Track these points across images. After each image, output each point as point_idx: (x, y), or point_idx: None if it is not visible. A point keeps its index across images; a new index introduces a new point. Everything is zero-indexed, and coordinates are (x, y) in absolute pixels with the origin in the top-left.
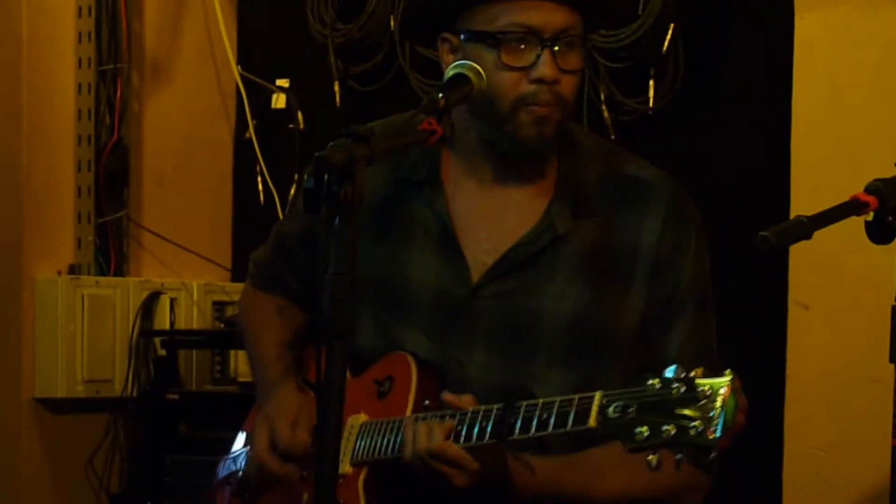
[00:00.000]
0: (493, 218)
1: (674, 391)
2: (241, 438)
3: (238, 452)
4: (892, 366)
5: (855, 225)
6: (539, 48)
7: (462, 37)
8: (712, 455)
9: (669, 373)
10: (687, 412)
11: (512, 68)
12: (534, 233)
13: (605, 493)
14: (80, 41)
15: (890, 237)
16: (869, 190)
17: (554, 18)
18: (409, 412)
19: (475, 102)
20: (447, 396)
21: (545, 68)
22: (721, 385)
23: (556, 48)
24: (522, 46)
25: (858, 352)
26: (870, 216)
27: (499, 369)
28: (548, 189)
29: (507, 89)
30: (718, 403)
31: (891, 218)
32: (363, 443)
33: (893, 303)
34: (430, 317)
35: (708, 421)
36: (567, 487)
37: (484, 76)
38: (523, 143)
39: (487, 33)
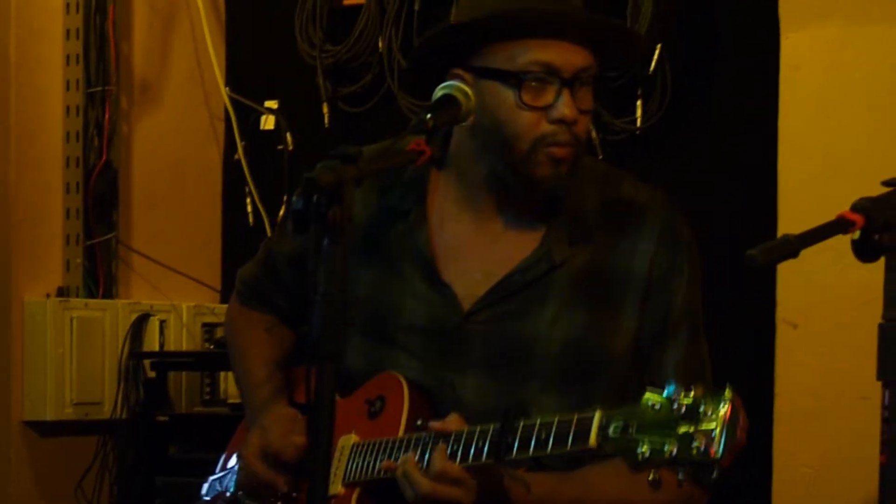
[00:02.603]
0: (485, 248)
1: (674, 410)
2: (226, 458)
3: (223, 473)
4: (880, 383)
5: (842, 243)
6: (558, 88)
7: (476, 74)
8: (715, 474)
9: (669, 391)
10: (688, 430)
11: (532, 108)
12: (530, 261)
13: None
14: (68, 63)
15: (877, 255)
16: (855, 208)
17: (573, 58)
18: (401, 432)
19: (488, 141)
20: (433, 425)
21: (565, 109)
22: (722, 403)
23: (574, 88)
24: (542, 86)
25: (847, 370)
26: (857, 234)
27: (492, 394)
28: (545, 216)
29: (526, 129)
30: (720, 422)
31: (877, 236)
32: (355, 463)
33: (881, 321)
34: (421, 341)
35: (710, 440)
36: (564, 497)
37: (472, 97)
38: (540, 182)
39: (507, 72)
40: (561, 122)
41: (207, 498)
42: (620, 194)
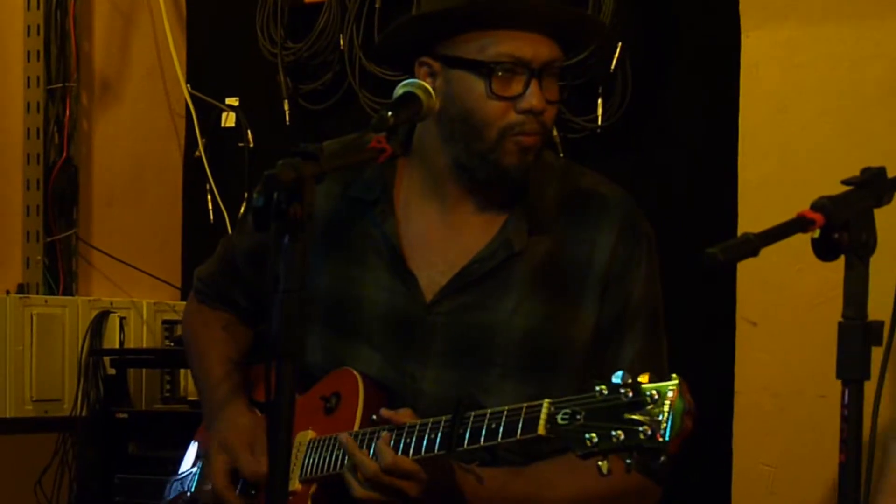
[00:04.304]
0: (450, 239)
1: (621, 397)
2: (188, 457)
3: (186, 473)
4: (840, 382)
5: (802, 242)
6: (527, 78)
7: (445, 63)
8: (662, 459)
9: (616, 379)
10: (635, 417)
11: (502, 98)
12: (489, 249)
13: (554, 502)
14: (28, 60)
15: (836, 254)
16: (815, 207)
17: (542, 50)
18: (356, 427)
19: (455, 129)
20: (385, 413)
21: (534, 99)
22: (668, 389)
23: (542, 79)
24: (511, 76)
25: (806, 368)
26: (816, 233)
27: (452, 383)
28: (506, 206)
29: (495, 118)
30: (666, 407)
31: (837, 235)
32: (312, 459)
33: (840, 319)
34: (382, 333)
35: (656, 424)
36: (515, 496)
37: (433, 95)
38: (507, 170)
39: (477, 62)
40: (529, 112)
41: (169, 498)
42: (580, 187)
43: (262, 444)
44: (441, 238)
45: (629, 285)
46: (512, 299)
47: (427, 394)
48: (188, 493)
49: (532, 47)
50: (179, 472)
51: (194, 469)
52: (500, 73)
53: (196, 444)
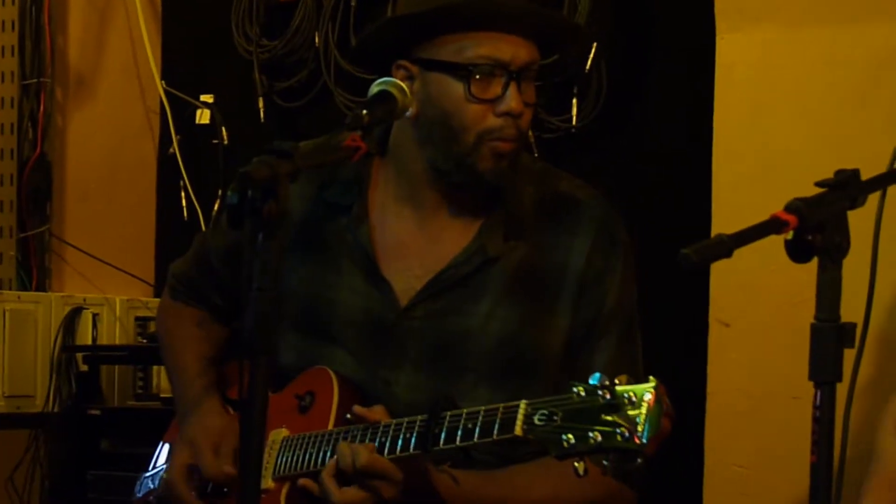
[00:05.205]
0: (425, 244)
1: (599, 398)
2: (160, 454)
3: (156, 470)
4: (812, 383)
5: (775, 243)
6: (505, 81)
7: (422, 66)
8: (639, 461)
9: (594, 380)
10: (613, 418)
11: (480, 101)
12: (464, 255)
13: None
14: (3, 55)
15: (809, 256)
16: (789, 209)
17: (520, 52)
18: (331, 426)
19: (432, 132)
20: (357, 409)
21: (513, 102)
22: (645, 391)
23: (520, 81)
24: (490, 79)
25: (779, 369)
26: (790, 235)
27: (426, 388)
28: (482, 211)
29: (473, 121)
30: (644, 409)
31: (810, 237)
32: (285, 457)
33: (813, 321)
34: (356, 338)
35: (634, 426)
36: (490, 498)
37: (408, 93)
38: (482, 175)
39: (456, 64)
40: (508, 114)
41: (139, 495)
42: (558, 191)
43: (229, 447)
44: (417, 243)
45: (604, 291)
46: (487, 305)
47: (400, 399)
48: (152, 495)
49: (511, 49)
50: (150, 469)
51: (165, 466)
52: (478, 76)
53: (167, 444)
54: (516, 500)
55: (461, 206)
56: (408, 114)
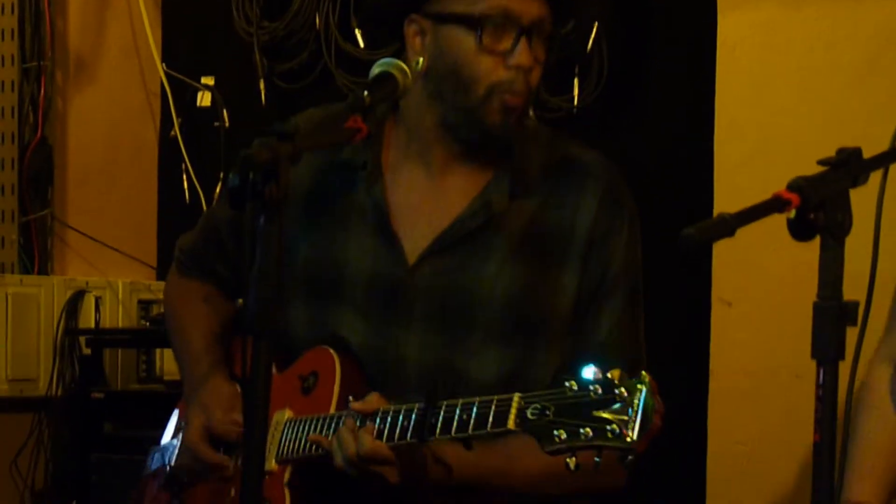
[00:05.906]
0: (434, 202)
1: (591, 393)
2: (170, 429)
3: (167, 444)
4: (815, 362)
5: (777, 222)
6: (516, 34)
7: (434, 19)
8: (629, 458)
9: (587, 374)
10: (604, 414)
11: (492, 52)
12: (469, 210)
13: (525, 477)
14: (3, 38)
15: (812, 234)
16: (791, 187)
17: (531, 8)
18: (333, 408)
19: (443, 86)
20: (354, 405)
21: (523, 55)
22: (638, 387)
23: (531, 37)
24: (501, 32)
25: (781, 348)
26: (792, 213)
27: (435, 347)
28: (490, 169)
29: (484, 73)
30: (636, 406)
31: (813, 215)
32: (288, 439)
33: (815, 300)
34: (366, 297)
35: (625, 423)
36: (486, 472)
37: (409, 74)
38: (489, 130)
39: (469, 15)
40: (518, 68)
41: (153, 468)
42: (566, 153)
43: (240, 410)
44: (426, 202)
45: (609, 253)
46: (494, 264)
47: (411, 359)
48: (167, 468)
49: (522, 3)
50: (161, 443)
51: (175, 441)
52: (490, 27)
53: (176, 419)
54: (512, 470)
55: (470, 165)
56: (419, 67)
